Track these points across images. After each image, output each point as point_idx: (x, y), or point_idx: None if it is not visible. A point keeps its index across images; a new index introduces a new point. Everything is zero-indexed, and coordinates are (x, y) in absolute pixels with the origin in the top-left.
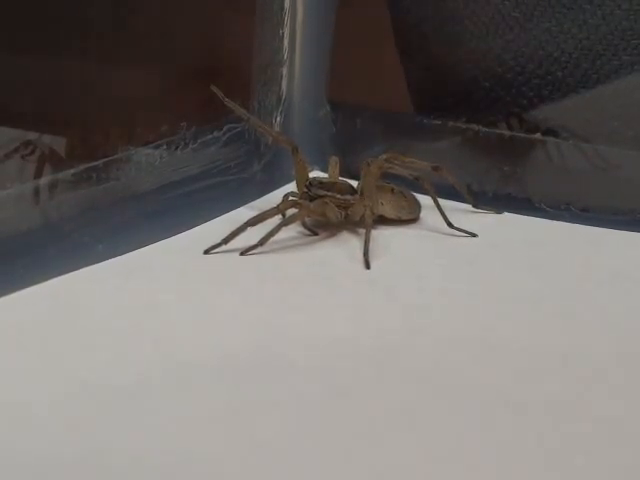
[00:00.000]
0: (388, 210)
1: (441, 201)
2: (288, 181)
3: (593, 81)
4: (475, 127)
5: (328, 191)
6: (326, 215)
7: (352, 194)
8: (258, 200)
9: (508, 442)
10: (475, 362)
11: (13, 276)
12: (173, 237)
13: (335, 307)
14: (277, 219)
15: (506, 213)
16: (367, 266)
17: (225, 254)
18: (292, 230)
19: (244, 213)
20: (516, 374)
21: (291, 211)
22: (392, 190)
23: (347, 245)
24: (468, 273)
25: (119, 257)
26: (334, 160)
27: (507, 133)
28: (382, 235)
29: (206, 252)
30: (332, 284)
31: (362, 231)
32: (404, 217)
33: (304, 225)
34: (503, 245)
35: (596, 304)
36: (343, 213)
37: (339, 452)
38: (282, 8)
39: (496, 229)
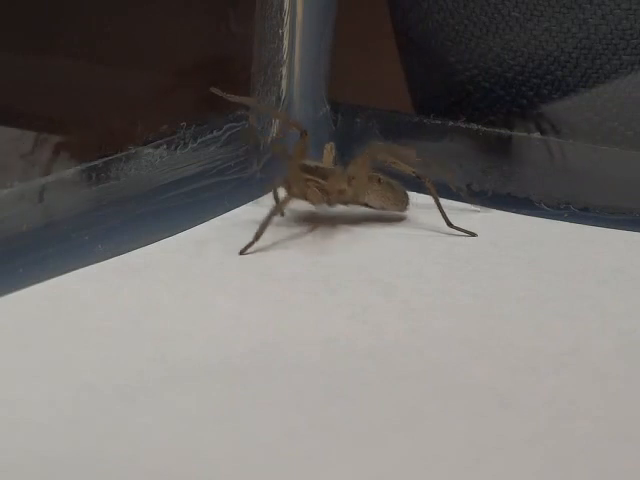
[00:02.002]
0: (373, 199)
1: (441, 200)
2: None
3: (593, 81)
4: (475, 127)
5: (313, 175)
6: (309, 198)
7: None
8: (258, 200)
9: (508, 442)
10: (475, 362)
11: (13, 276)
12: (173, 237)
13: (335, 307)
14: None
15: (506, 212)
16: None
17: (224, 254)
18: (292, 230)
19: (244, 213)
20: (516, 374)
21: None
22: (379, 180)
23: (347, 245)
24: (468, 273)
25: (119, 257)
26: (330, 146)
27: (507, 133)
28: (382, 234)
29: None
30: (332, 284)
31: (362, 231)
32: (388, 208)
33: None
34: (503, 244)
35: (596, 304)
36: (326, 197)
37: (339, 452)
38: (282, 8)
39: (496, 228)
